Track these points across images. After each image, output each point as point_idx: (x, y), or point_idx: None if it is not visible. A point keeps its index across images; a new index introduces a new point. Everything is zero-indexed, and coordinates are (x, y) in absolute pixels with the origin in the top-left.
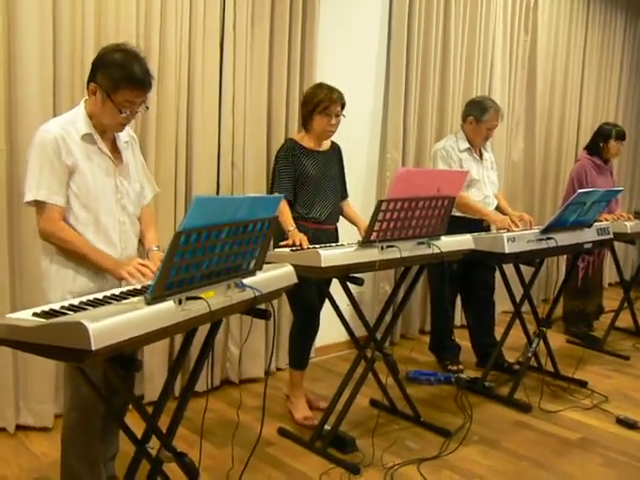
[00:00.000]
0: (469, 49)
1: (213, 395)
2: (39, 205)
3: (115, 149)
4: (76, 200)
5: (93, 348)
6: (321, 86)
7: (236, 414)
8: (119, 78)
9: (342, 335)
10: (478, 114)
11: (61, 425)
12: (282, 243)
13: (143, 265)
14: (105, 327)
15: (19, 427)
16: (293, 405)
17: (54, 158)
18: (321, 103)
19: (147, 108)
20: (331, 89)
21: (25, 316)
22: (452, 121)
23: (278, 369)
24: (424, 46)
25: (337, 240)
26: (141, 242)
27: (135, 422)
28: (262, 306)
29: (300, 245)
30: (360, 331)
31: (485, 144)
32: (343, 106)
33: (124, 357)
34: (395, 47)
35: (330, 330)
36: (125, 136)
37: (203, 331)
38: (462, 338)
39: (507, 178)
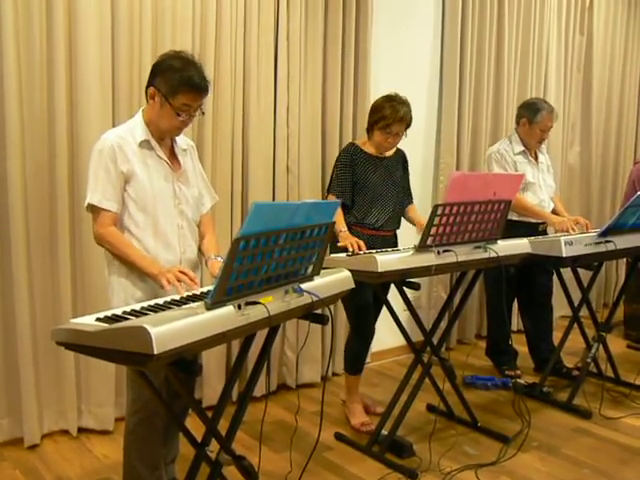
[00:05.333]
0: (523, 51)
1: (270, 400)
2: (93, 210)
3: (173, 156)
4: (134, 204)
5: (155, 352)
6: (391, 100)
7: (293, 419)
8: (177, 83)
9: (398, 340)
10: (531, 116)
11: (122, 428)
12: (340, 244)
13: (182, 272)
14: (167, 331)
15: (81, 430)
16: (349, 410)
17: (110, 165)
18: (383, 120)
19: (203, 113)
20: (399, 106)
21: (89, 321)
22: (507, 125)
23: (334, 374)
24: (478, 49)
25: (395, 246)
26: (200, 250)
27: (194, 426)
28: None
29: (358, 249)
30: (416, 336)
31: (540, 146)
32: (408, 125)
33: (185, 361)
34: (448, 50)
35: (386, 335)
36: (183, 144)
37: (260, 336)
38: (519, 343)
39: (563, 182)
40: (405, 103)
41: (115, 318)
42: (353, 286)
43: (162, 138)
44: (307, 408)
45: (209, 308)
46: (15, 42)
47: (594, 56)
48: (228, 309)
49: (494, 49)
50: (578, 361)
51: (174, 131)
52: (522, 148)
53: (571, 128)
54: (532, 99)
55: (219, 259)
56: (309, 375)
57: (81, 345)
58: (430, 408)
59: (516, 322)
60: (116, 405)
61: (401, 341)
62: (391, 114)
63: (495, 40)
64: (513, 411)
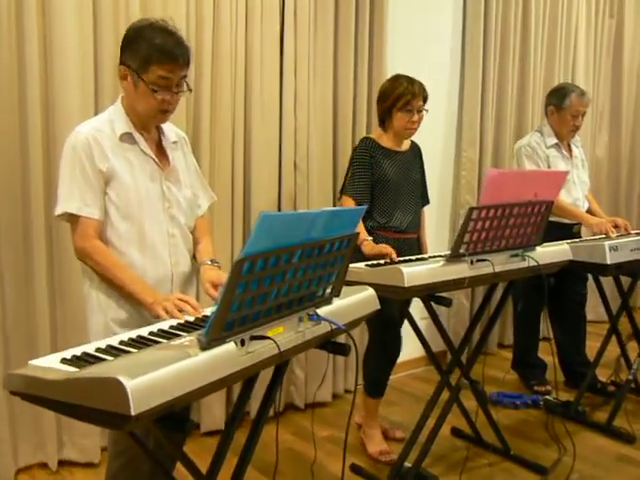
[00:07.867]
0: (550, 35)
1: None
2: (71, 219)
3: (161, 151)
4: (115, 211)
5: (133, 413)
6: (399, 78)
7: (303, 445)
8: (147, 52)
9: (415, 351)
10: (558, 101)
11: (105, 469)
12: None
13: (182, 300)
14: (148, 384)
15: (62, 462)
16: (367, 436)
17: (86, 163)
18: (401, 98)
19: (190, 90)
20: (411, 81)
21: (52, 363)
22: (533, 115)
23: (346, 391)
24: (502, 32)
25: (420, 249)
26: (194, 256)
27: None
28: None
29: (390, 258)
30: (435, 346)
31: (574, 136)
32: (425, 99)
33: (173, 416)
34: (471, 35)
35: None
36: (173, 136)
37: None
38: (544, 353)
39: (590, 175)
40: (414, 79)
41: (85, 359)
42: (378, 307)
43: (147, 130)
44: (318, 432)
45: (204, 348)
46: None
47: (625, 40)
48: (228, 347)
49: (519, 33)
50: (611, 374)
51: (156, 116)
52: (555, 141)
53: (600, 117)
54: (559, 84)
55: (215, 265)
56: (320, 394)
57: (40, 397)
58: (455, 432)
59: (541, 330)
60: (102, 433)
61: (418, 352)
62: (407, 88)
63: (520, 23)
64: (547, 435)
